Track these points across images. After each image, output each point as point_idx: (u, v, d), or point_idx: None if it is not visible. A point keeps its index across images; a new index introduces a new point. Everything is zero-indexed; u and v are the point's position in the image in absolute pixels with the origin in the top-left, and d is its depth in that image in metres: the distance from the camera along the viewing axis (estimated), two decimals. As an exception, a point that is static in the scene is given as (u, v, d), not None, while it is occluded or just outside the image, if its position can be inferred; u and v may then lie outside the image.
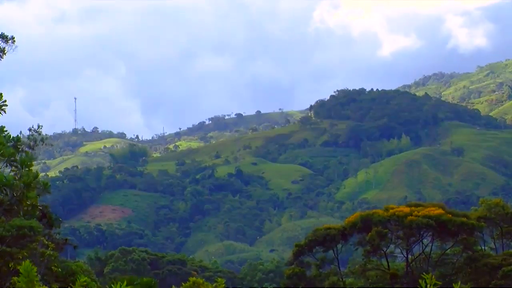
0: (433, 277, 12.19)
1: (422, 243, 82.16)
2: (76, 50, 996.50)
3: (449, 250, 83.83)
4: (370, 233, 79.11)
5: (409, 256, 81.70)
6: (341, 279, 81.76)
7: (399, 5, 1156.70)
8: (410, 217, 79.15)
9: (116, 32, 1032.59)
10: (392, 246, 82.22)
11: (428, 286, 12.06)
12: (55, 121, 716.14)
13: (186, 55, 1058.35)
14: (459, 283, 12.22)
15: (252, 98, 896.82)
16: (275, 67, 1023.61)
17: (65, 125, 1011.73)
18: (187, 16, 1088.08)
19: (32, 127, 57.78)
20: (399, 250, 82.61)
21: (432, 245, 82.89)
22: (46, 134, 64.23)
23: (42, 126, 58.12)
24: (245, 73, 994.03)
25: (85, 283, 15.02)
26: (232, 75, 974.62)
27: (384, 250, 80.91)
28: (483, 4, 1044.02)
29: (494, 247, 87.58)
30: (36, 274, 15.07)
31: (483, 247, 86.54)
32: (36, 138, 55.28)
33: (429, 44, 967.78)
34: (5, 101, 25.37)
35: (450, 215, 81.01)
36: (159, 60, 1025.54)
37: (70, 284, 14.89)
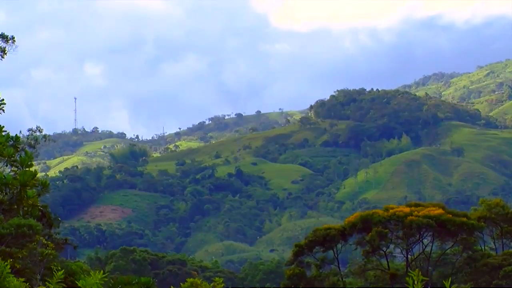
0: (419, 273, 12.19)
1: (422, 243, 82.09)
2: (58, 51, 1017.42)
3: (449, 250, 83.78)
4: (370, 233, 79.05)
5: (409, 256, 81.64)
6: (341, 279, 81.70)
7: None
8: (410, 217, 79.09)
9: (95, 34, 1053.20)
10: (392, 246, 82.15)
11: (416, 282, 12.08)
12: (48, 121, 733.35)
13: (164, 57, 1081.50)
14: (449, 279, 12.20)
15: (229, 99, 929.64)
16: (250, 67, 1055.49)
17: (64, 125, 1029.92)
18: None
19: (32, 128, 57.88)
20: (399, 250, 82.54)
21: (432, 245, 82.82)
22: (46, 134, 64.39)
23: (41, 128, 58.19)
24: (221, 73, 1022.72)
25: (62, 276, 14.98)
26: (209, 75, 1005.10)
27: (384, 250, 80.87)
28: (439, 12, 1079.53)
29: (494, 247, 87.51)
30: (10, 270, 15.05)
31: (483, 247, 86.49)
32: (38, 137, 55.33)
33: (384, 48, 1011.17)
34: (3, 99, 25.38)
35: (450, 215, 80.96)
36: (141, 62, 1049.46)
37: (70, 283, 14.82)
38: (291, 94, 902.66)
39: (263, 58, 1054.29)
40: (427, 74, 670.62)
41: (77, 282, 14.55)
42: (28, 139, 53.84)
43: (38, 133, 56.79)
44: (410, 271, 12.33)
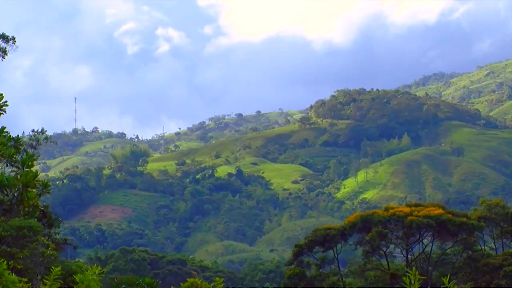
0: (416, 273, 12.23)
1: (422, 243, 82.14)
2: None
3: (449, 250, 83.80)
4: (370, 233, 79.09)
5: (409, 256, 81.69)
6: (341, 279, 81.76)
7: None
8: (410, 217, 79.15)
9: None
10: (392, 246, 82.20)
11: (413, 282, 12.12)
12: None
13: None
14: (448, 276, 12.26)
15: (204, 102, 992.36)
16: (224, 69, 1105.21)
17: (65, 125, 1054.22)
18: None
19: (35, 129, 57.96)
20: (399, 250, 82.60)
21: (432, 245, 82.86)
22: (48, 135, 64.45)
23: (45, 130, 58.28)
24: (196, 77, 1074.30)
25: (59, 273, 15.06)
26: (185, 77, 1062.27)
27: (384, 250, 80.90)
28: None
29: (494, 247, 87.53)
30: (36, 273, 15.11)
31: (483, 247, 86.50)
32: (39, 138, 55.39)
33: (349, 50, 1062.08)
34: (6, 101, 25.43)
35: (450, 215, 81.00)
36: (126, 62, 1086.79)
37: (70, 283, 14.86)
38: (255, 96, 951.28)
39: (228, 61, 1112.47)
40: (427, 74, 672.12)
41: (74, 277, 14.65)
42: (30, 139, 53.91)
43: (40, 134, 56.82)
44: (408, 270, 12.38)
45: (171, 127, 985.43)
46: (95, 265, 15.28)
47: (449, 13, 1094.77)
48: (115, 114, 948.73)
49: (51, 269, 15.86)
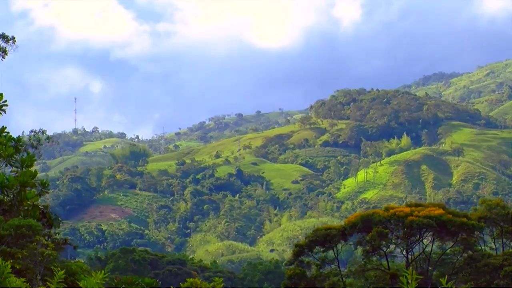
0: (414, 272, 12.18)
1: (423, 243, 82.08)
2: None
3: (449, 250, 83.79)
4: (370, 233, 79.03)
5: (409, 256, 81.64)
6: (341, 279, 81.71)
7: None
8: (411, 217, 79.06)
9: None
10: (392, 246, 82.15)
11: (410, 281, 12.09)
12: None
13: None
14: (445, 277, 12.22)
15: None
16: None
17: (65, 125, 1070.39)
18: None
19: (34, 129, 57.90)
20: (399, 250, 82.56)
21: (432, 245, 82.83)
22: (49, 135, 64.40)
23: (45, 130, 58.22)
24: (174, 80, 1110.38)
25: (63, 276, 15.04)
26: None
27: (384, 250, 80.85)
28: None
29: (494, 247, 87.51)
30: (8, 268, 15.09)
31: (483, 247, 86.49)
32: (40, 138, 55.30)
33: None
34: (6, 101, 25.41)
35: (451, 215, 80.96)
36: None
37: (71, 283, 14.81)
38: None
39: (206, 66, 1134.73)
40: (427, 74, 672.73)
41: (78, 283, 14.63)
42: (30, 139, 53.82)
43: (41, 134, 56.72)
44: (405, 270, 12.33)
45: (155, 129, 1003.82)
46: (99, 270, 15.24)
47: (406, 15, 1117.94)
48: (99, 115, 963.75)
49: (51, 269, 15.88)
